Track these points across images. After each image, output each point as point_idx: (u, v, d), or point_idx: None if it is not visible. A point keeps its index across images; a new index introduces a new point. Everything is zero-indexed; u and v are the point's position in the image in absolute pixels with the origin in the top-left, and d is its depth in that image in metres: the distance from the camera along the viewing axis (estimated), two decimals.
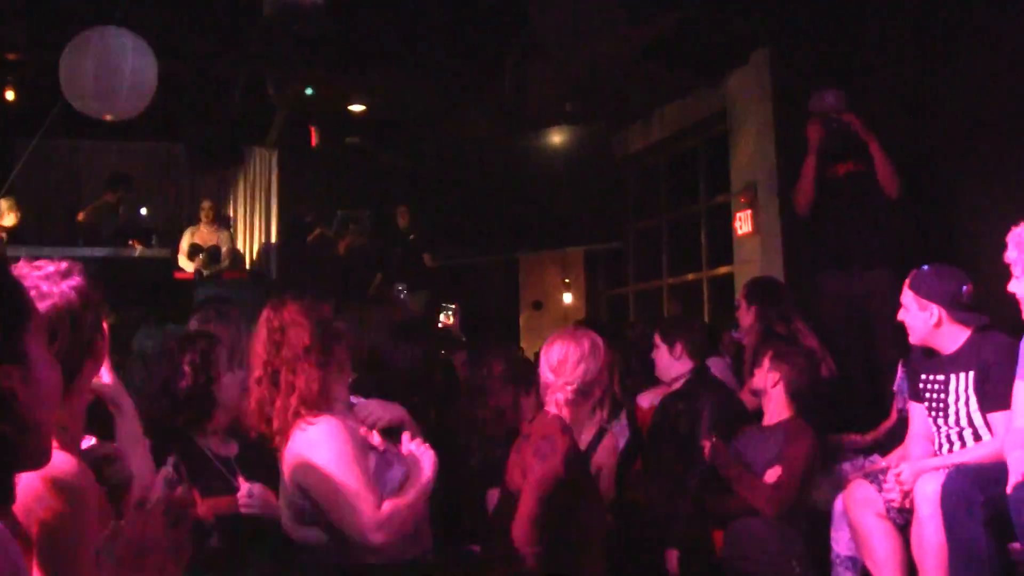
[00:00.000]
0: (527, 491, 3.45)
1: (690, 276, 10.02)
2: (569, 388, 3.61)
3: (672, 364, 5.45)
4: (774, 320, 5.68)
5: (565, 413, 3.62)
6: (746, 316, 5.85)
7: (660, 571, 4.90)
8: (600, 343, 3.74)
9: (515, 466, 3.59)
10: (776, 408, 4.85)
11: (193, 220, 11.91)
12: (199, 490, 3.32)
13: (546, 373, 3.68)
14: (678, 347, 5.42)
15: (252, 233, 13.24)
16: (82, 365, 2.25)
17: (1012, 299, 3.89)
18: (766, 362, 4.91)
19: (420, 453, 3.29)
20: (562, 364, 3.64)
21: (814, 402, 5.32)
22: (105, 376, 2.89)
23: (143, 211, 11.25)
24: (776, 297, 5.82)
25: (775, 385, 4.84)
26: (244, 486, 3.41)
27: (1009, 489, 3.52)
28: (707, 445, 4.84)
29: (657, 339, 5.57)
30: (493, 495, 4.15)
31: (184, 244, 11.52)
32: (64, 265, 2.24)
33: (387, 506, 3.08)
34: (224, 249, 11.68)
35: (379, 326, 5.53)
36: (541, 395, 3.77)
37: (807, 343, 5.60)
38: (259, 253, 13.01)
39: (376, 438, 3.29)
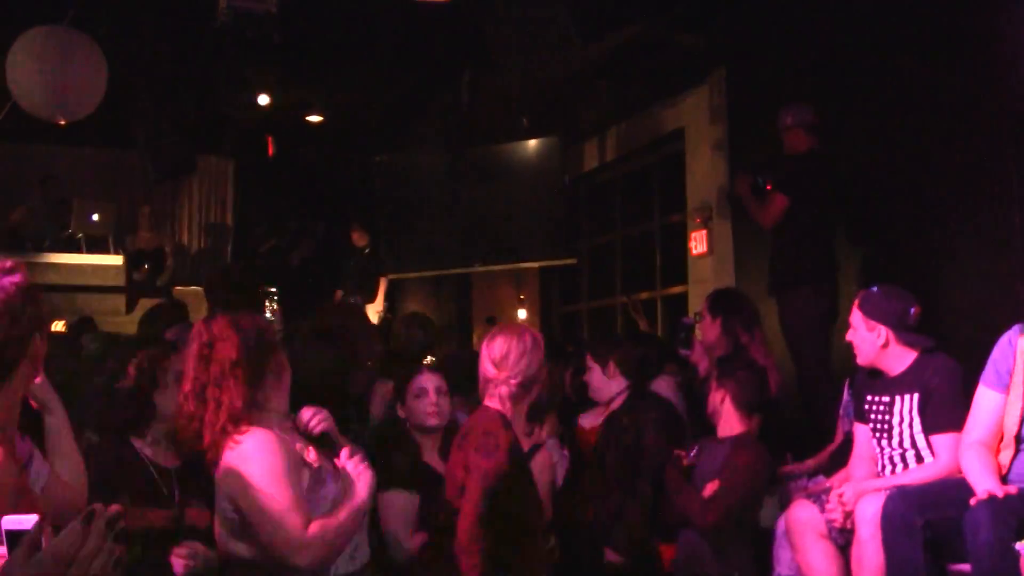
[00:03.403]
0: (471, 487, 3.45)
1: (644, 294, 10.03)
2: (512, 382, 3.64)
3: (606, 383, 5.45)
4: (738, 331, 5.69)
5: (507, 408, 3.64)
6: (711, 329, 5.84)
7: None
8: (540, 340, 3.79)
9: (457, 463, 3.59)
10: (727, 423, 4.87)
11: (131, 227, 11.81)
12: (128, 496, 3.26)
13: (488, 367, 3.70)
14: (611, 366, 5.43)
15: (204, 243, 13.13)
16: (17, 363, 2.23)
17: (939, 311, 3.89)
18: (713, 383, 4.94)
19: (357, 473, 3.24)
20: (504, 358, 3.66)
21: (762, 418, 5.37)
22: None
23: (95, 217, 11.14)
24: (739, 308, 5.84)
25: (723, 402, 4.87)
26: (185, 549, 3.33)
27: (973, 501, 3.51)
28: (683, 454, 4.86)
29: (589, 360, 5.57)
30: (388, 498, 4.13)
31: (125, 251, 11.43)
32: (9, 264, 2.23)
33: (315, 526, 3.01)
34: (167, 250, 11.60)
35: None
36: (480, 390, 3.77)
37: (757, 356, 5.62)
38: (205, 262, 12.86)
39: (312, 454, 3.22)
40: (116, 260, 11.19)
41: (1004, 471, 3.76)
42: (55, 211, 11.25)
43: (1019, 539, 3.34)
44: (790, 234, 6.32)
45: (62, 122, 7.34)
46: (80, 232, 11.17)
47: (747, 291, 6.76)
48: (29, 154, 11.89)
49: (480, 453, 3.49)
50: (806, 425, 5.61)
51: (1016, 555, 3.33)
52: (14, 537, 2.00)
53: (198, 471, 3.49)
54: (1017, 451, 3.76)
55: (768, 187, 6.48)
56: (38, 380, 2.85)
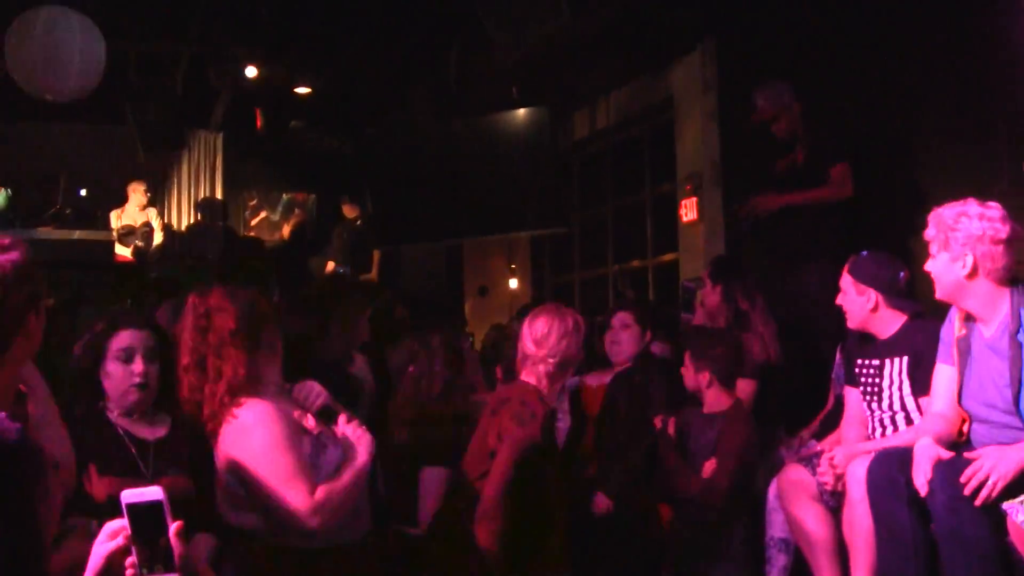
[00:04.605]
0: (503, 454, 3.53)
1: (635, 263, 10.06)
2: (552, 361, 3.77)
3: (636, 346, 5.49)
4: (739, 298, 5.71)
5: (543, 385, 3.72)
6: (712, 295, 5.85)
7: (608, 542, 4.96)
8: (582, 323, 3.88)
9: (490, 428, 3.66)
10: (713, 400, 4.90)
11: (119, 202, 11.75)
12: (98, 467, 3.25)
13: (528, 345, 3.82)
14: (649, 332, 5.49)
15: (195, 217, 13.08)
16: (11, 341, 2.23)
17: (928, 278, 3.95)
18: (689, 363, 4.95)
19: (356, 436, 3.27)
20: (546, 338, 3.78)
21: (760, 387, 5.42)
22: None
23: (83, 192, 11.11)
24: (740, 274, 5.85)
25: (705, 382, 4.89)
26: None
27: (918, 482, 3.58)
28: (658, 422, 4.90)
29: (630, 319, 5.59)
30: (428, 473, 4.19)
31: (113, 227, 11.38)
32: (7, 240, 2.23)
33: (321, 491, 3.07)
34: (157, 224, 11.57)
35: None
36: (518, 365, 3.89)
37: (758, 323, 5.63)
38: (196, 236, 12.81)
39: (311, 421, 3.26)
40: (105, 236, 11.16)
41: (964, 439, 3.82)
42: None
43: (973, 499, 3.42)
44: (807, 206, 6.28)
45: (50, 98, 7.32)
46: (68, 208, 11.14)
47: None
48: (18, 130, 11.85)
49: (515, 422, 3.57)
50: (816, 395, 5.60)
51: (1003, 515, 3.41)
52: (135, 510, 2.03)
53: (178, 442, 3.50)
54: (971, 419, 3.83)
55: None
56: None
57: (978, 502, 3.39)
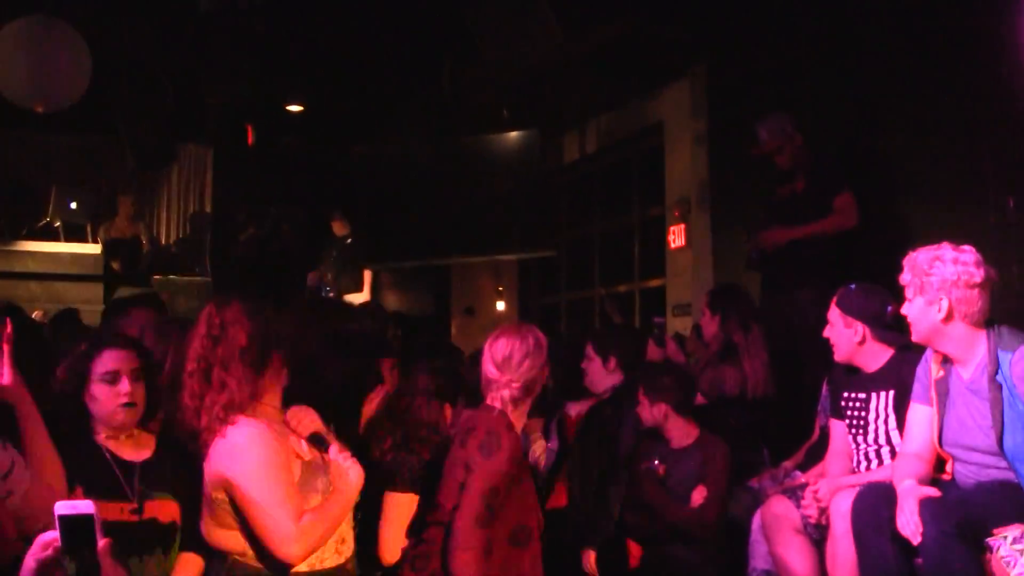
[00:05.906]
0: (473, 486, 3.46)
1: (622, 287, 10.06)
2: (515, 386, 3.65)
3: (605, 376, 5.48)
4: (734, 329, 5.70)
5: (509, 410, 3.65)
6: (710, 325, 5.85)
7: (579, 571, 4.94)
8: (543, 340, 3.79)
9: (458, 461, 3.60)
10: (680, 433, 4.94)
11: (109, 216, 11.70)
12: (84, 488, 3.23)
13: (490, 369, 3.71)
14: (612, 361, 5.46)
15: (184, 231, 13.05)
16: None
17: (904, 321, 3.96)
18: (643, 399, 4.97)
19: (347, 466, 3.25)
20: (507, 361, 3.67)
21: (738, 416, 5.40)
22: (4, 376, 2.84)
23: (73, 205, 11.07)
24: (737, 305, 5.83)
25: (666, 416, 4.92)
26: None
27: (902, 525, 3.57)
28: (643, 467, 4.88)
29: (590, 351, 5.59)
30: (391, 499, 4.17)
31: (101, 241, 11.33)
32: None
33: (307, 518, 3.03)
34: (143, 239, 11.51)
35: (314, 332, 5.45)
36: (483, 389, 3.78)
37: (745, 355, 5.62)
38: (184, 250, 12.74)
39: (304, 447, 3.24)
40: (94, 249, 11.12)
41: (949, 478, 3.83)
42: None
43: (960, 535, 3.43)
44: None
45: (39, 109, 7.30)
46: (58, 220, 11.09)
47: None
48: (5, 140, 11.80)
49: (483, 452, 3.51)
50: (803, 423, 5.60)
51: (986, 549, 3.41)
52: (68, 522, 2.02)
53: (164, 464, 3.49)
54: (953, 459, 3.84)
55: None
56: (9, 382, 2.86)
57: None
